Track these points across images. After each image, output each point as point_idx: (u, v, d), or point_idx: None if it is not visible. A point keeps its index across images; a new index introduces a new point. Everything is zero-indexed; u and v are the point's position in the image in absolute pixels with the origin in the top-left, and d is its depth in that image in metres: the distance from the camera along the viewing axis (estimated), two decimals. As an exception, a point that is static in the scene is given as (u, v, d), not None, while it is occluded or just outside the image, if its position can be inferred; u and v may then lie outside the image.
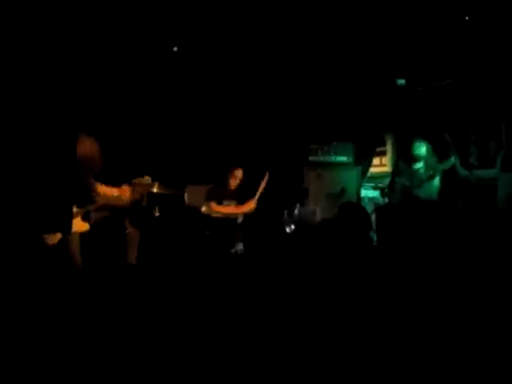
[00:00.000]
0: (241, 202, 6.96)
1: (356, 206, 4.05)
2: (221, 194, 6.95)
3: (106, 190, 5.67)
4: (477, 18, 6.84)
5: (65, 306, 3.06)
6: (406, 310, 2.98)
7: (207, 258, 3.60)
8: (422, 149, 6.97)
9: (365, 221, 3.72)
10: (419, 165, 7.00)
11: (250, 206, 6.71)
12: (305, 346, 2.85)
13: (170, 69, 7.74)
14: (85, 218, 5.50)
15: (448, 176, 6.95)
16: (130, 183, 5.79)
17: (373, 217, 7.70)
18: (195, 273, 3.40)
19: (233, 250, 5.23)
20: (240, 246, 5.18)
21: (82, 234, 5.18)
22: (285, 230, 4.31)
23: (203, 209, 6.75)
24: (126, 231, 5.52)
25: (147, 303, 3.10)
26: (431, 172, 6.87)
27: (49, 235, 4.85)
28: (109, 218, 5.44)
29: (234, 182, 7.07)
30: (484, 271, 3.36)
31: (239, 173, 7.11)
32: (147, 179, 5.81)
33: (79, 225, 5.37)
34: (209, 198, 6.88)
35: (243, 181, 7.16)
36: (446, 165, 6.84)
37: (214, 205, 6.68)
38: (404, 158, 7.25)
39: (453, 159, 6.81)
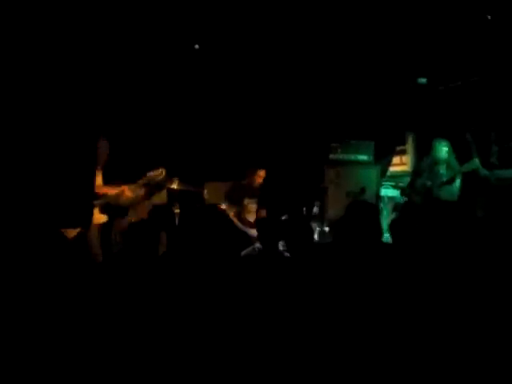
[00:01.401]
0: (261, 201, 7.00)
1: (365, 205, 4.02)
2: (242, 193, 7.00)
3: (105, 190, 5.75)
4: (498, 16, 6.78)
5: (82, 299, 3.10)
6: (414, 310, 2.98)
7: (226, 255, 3.62)
8: (443, 151, 6.91)
9: (373, 220, 3.70)
10: (440, 165, 6.95)
11: None
12: (310, 345, 2.87)
13: (187, 66, 7.76)
14: (103, 211, 5.57)
15: (468, 176, 6.90)
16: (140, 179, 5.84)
17: (392, 216, 7.71)
18: (213, 270, 3.42)
19: (250, 249, 5.26)
20: (257, 244, 5.20)
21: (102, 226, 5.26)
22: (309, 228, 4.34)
23: (223, 206, 6.80)
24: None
25: (162, 299, 3.13)
26: (452, 173, 6.82)
27: (68, 229, 4.92)
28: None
29: (258, 182, 7.14)
30: (504, 273, 3.35)
31: (263, 173, 7.18)
32: (160, 171, 5.83)
33: (97, 217, 5.44)
34: (229, 198, 6.94)
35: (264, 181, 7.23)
36: (469, 167, 6.76)
37: (235, 219, 6.76)
38: (425, 158, 7.22)
39: (476, 162, 6.73)
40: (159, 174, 5.84)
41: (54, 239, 4.57)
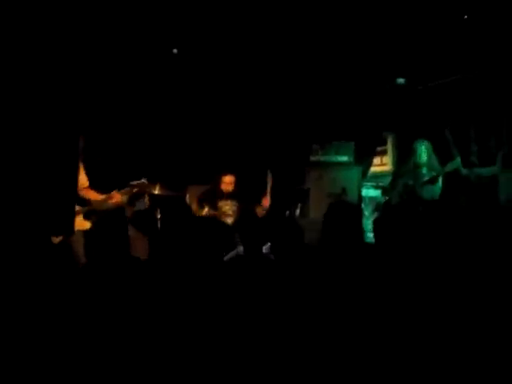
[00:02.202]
0: (241, 202, 6.98)
1: (346, 206, 4.02)
2: (214, 197, 7.02)
3: (92, 195, 5.74)
4: (476, 16, 6.84)
5: (68, 305, 3.07)
6: (404, 309, 2.98)
7: (209, 259, 3.60)
8: (424, 154, 6.95)
9: (354, 220, 3.71)
10: (421, 164, 6.99)
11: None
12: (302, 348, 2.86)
13: (167, 71, 7.74)
14: (86, 217, 5.54)
15: (449, 175, 6.94)
16: (125, 187, 5.86)
17: (374, 215, 7.73)
18: (198, 275, 3.40)
19: (234, 253, 5.23)
20: (240, 248, 5.17)
21: (85, 233, 5.21)
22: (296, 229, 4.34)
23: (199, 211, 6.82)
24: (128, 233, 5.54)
25: (149, 304, 3.10)
26: (434, 173, 6.86)
27: (53, 236, 4.89)
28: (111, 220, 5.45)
29: (224, 188, 7.12)
30: (487, 269, 3.36)
31: (229, 179, 7.15)
32: (142, 182, 5.88)
33: (80, 223, 5.41)
34: (202, 200, 6.95)
35: (239, 184, 7.20)
36: (451, 167, 6.81)
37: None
38: (406, 161, 7.26)
39: (458, 160, 6.77)
40: (141, 184, 5.90)
41: (39, 245, 4.53)
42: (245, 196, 7.20)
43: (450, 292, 3.14)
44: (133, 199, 6.05)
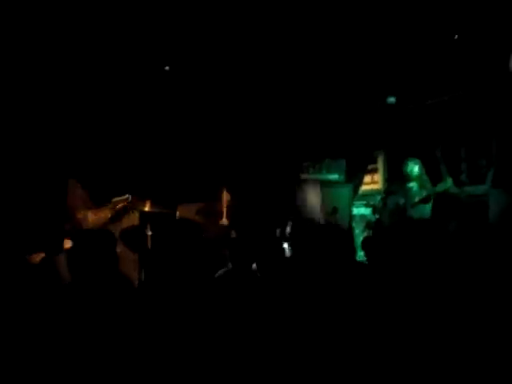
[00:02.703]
0: (232, 220, 6.98)
1: (336, 228, 4.03)
2: (211, 214, 7.00)
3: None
4: (466, 36, 6.89)
5: (53, 323, 3.04)
6: (390, 325, 2.97)
7: (201, 276, 3.59)
8: (414, 168, 6.99)
9: (345, 243, 3.71)
10: (412, 183, 7.01)
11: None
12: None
13: (157, 88, 7.75)
14: (67, 236, 5.51)
15: (439, 194, 6.96)
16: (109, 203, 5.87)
17: (364, 234, 7.73)
18: (189, 292, 3.38)
19: (224, 270, 5.22)
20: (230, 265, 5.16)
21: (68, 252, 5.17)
22: (280, 248, 4.32)
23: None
24: (118, 251, 5.51)
25: (141, 322, 3.08)
26: (425, 194, 6.88)
27: (35, 254, 4.86)
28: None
29: (221, 204, 7.12)
30: (478, 288, 3.36)
31: (226, 196, 7.16)
32: (126, 197, 5.87)
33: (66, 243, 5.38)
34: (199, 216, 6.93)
35: (233, 201, 7.20)
36: (443, 187, 6.83)
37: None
38: (397, 177, 7.28)
39: (450, 181, 6.79)
40: (125, 199, 5.89)
41: (20, 263, 4.50)
42: (238, 215, 7.20)
43: (442, 310, 3.13)
44: (117, 215, 6.02)
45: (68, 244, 5.42)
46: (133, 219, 6.37)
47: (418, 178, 6.99)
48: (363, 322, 3.00)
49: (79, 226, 5.70)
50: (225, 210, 7.21)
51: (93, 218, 5.77)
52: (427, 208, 6.86)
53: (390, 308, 3.10)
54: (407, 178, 7.02)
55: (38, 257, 4.94)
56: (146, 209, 6.23)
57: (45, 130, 4.92)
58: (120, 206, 5.89)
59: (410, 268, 3.57)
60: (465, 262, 3.73)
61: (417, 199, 6.88)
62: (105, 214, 5.82)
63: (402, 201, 7.00)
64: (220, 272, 5.26)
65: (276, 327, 3.09)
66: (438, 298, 3.22)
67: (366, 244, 4.28)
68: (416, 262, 3.68)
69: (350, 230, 7.42)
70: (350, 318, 3.03)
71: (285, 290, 3.49)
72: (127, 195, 5.91)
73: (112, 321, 3.03)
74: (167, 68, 7.68)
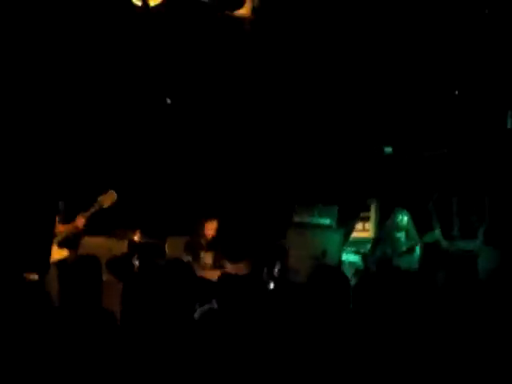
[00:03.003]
0: (218, 253, 6.92)
1: (332, 270, 3.99)
2: (197, 247, 6.95)
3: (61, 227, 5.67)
4: (463, 91, 6.98)
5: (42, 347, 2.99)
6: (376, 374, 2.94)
7: (182, 313, 3.54)
8: (403, 219, 7.03)
9: (341, 286, 3.67)
10: (400, 233, 7.04)
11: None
12: None
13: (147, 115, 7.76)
14: (61, 245, 5.45)
15: (429, 247, 6.97)
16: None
17: (352, 281, 7.68)
18: (169, 328, 3.33)
19: (206, 308, 5.16)
20: (214, 303, 5.11)
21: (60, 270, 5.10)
22: (266, 288, 4.29)
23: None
24: (104, 279, 5.45)
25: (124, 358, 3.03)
26: (412, 243, 6.91)
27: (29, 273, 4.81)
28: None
29: (207, 235, 7.07)
30: (465, 343, 3.34)
31: (212, 225, 7.11)
32: (110, 193, 5.79)
33: (56, 253, 5.32)
34: (186, 251, 6.86)
35: (220, 233, 7.15)
36: (430, 238, 6.88)
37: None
38: (385, 224, 7.30)
39: (437, 233, 6.85)
40: (110, 195, 5.80)
41: (13, 283, 4.45)
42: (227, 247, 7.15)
43: (428, 364, 3.11)
44: (91, 218, 5.89)
45: (61, 254, 5.38)
46: (123, 247, 6.30)
47: (406, 229, 7.03)
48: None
49: (69, 235, 5.65)
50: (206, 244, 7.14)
51: (78, 224, 5.70)
52: (414, 258, 6.87)
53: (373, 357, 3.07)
54: (396, 227, 7.06)
55: (32, 276, 4.89)
56: (136, 238, 6.20)
57: (35, 148, 4.91)
58: (106, 206, 5.79)
59: (396, 318, 3.55)
60: (451, 316, 3.70)
61: (404, 249, 6.91)
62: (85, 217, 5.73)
63: (388, 250, 7.02)
64: (203, 308, 5.20)
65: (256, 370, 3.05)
66: (423, 349, 3.20)
67: (354, 293, 4.25)
68: (401, 313, 3.65)
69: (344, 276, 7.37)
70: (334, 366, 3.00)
71: (267, 330, 3.45)
72: (111, 191, 5.80)
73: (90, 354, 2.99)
74: (169, 101, 7.73)
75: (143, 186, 7.87)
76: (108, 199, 5.77)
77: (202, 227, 7.15)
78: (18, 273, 4.66)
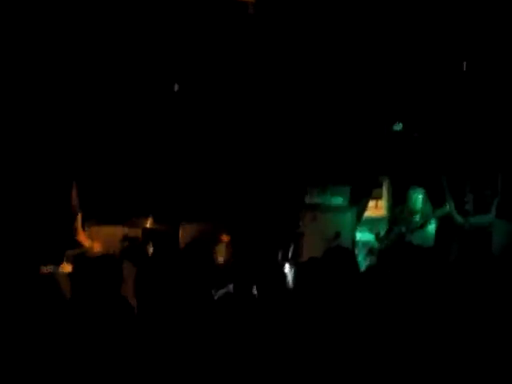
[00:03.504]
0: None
1: (342, 251, 4.00)
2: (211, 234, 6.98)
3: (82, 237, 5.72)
4: (475, 64, 6.93)
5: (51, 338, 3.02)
6: (391, 355, 2.95)
7: (198, 297, 3.56)
8: (418, 201, 7.01)
9: (350, 266, 3.69)
10: (415, 211, 7.03)
11: None
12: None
13: (159, 100, 7.77)
14: (68, 260, 5.49)
15: (443, 222, 6.95)
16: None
17: (367, 260, 7.69)
18: (186, 312, 3.36)
19: (223, 291, 5.19)
20: (230, 287, 5.12)
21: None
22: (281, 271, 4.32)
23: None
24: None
25: (140, 344, 3.06)
26: (425, 219, 6.89)
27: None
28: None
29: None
30: (478, 318, 3.34)
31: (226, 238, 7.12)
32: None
33: (63, 266, 5.36)
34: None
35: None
36: (441, 213, 6.86)
37: None
38: (401, 204, 7.30)
39: (448, 208, 6.83)
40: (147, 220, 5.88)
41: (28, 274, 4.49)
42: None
43: (442, 340, 3.12)
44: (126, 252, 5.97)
45: (66, 269, 5.41)
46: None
47: (422, 207, 7.01)
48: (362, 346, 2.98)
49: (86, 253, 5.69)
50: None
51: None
52: (428, 234, 6.86)
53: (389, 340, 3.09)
54: (411, 209, 7.05)
55: (47, 269, 4.93)
56: (148, 226, 6.23)
57: (44, 144, 4.94)
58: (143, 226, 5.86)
59: (410, 298, 3.56)
60: (465, 292, 3.70)
61: (417, 225, 6.91)
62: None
63: (403, 229, 7.02)
64: (220, 293, 5.23)
65: (276, 352, 3.07)
66: (438, 329, 3.21)
67: (368, 273, 4.27)
68: (415, 292, 3.66)
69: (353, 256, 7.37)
70: (349, 346, 3.01)
71: (284, 314, 3.47)
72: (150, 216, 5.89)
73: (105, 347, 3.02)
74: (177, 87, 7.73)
75: (154, 173, 7.88)
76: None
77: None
78: (34, 266, 4.70)
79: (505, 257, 5.86)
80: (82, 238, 5.79)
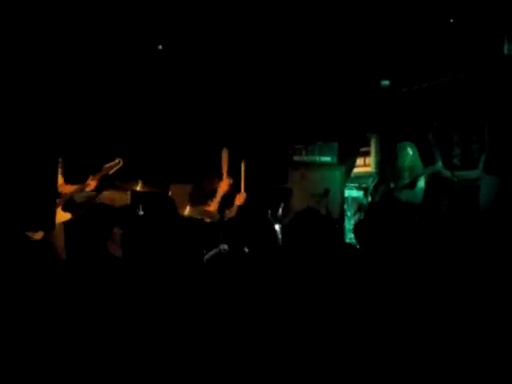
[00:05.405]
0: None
1: (313, 214, 4.03)
2: (204, 194, 6.95)
3: (68, 189, 5.71)
4: (461, 19, 6.87)
5: (51, 303, 3.04)
6: (381, 310, 2.98)
7: (192, 258, 3.58)
8: (407, 158, 6.99)
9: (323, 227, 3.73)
10: (404, 167, 7.03)
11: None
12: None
13: (151, 66, 7.71)
14: (65, 209, 5.50)
15: (432, 178, 6.98)
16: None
17: (356, 217, 7.76)
18: (178, 273, 3.37)
19: (216, 251, 5.21)
20: (223, 246, 5.16)
21: (66, 227, 5.16)
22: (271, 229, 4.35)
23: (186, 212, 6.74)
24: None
25: (133, 304, 3.07)
26: (414, 176, 6.90)
27: (32, 232, 4.84)
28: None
29: (221, 190, 7.05)
30: (467, 272, 3.37)
31: (226, 184, 7.08)
32: (117, 161, 5.86)
33: (60, 216, 5.36)
34: (193, 201, 6.87)
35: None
36: (430, 171, 6.87)
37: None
38: (389, 161, 7.30)
39: (439, 165, 6.83)
40: (116, 164, 5.89)
41: (17, 241, 4.49)
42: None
43: (434, 295, 3.15)
44: (102, 184, 6.00)
45: (64, 217, 5.42)
46: (126, 199, 6.35)
47: (411, 163, 7.00)
48: (356, 308, 3.01)
49: (76, 199, 5.70)
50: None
51: (87, 188, 5.78)
52: (417, 191, 6.89)
53: (383, 294, 3.12)
54: (400, 161, 7.04)
55: (37, 235, 4.93)
56: (138, 188, 6.22)
57: (35, 108, 4.88)
58: (108, 171, 5.89)
59: (401, 254, 3.59)
60: (455, 247, 3.74)
61: (406, 182, 6.92)
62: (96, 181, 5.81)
63: (392, 185, 7.03)
64: (211, 253, 5.26)
65: (269, 313, 3.09)
66: (430, 284, 3.24)
67: (357, 229, 4.30)
68: (406, 248, 3.69)
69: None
70: (343, 305, 3.04)
71: (276, 274, 3.50)
72: (118, 159, 5.91)
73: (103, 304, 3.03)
74: (160, 47, 7.65)
75: (142, 136, 7.85)
76: (114, 167, 5.88)
77: (212, 181, 7.14)
78: (21, 232, 4.70)
79: (492, 211, 5.92)
80: (66, 188, 5.80)
